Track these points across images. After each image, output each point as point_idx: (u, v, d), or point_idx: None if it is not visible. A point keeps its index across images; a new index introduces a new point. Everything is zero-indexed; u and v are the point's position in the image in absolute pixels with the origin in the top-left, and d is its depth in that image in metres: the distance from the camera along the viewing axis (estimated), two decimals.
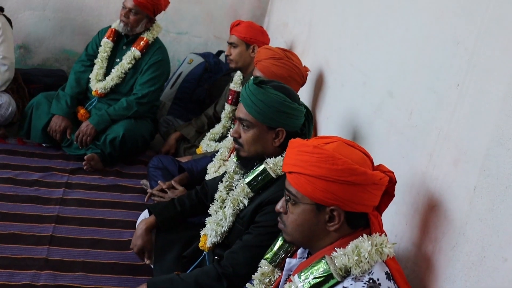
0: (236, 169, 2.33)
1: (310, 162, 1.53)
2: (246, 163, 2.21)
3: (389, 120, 2.21)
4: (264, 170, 2.10)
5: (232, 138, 2.22)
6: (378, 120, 2.33)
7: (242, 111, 2.13)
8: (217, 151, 3.20)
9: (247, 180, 2.15)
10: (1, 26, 3.89)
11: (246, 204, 2.17)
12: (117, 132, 3.76)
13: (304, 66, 3.06)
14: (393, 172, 1.63)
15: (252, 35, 3.63)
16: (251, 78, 2.18)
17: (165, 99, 4.60)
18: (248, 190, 2.15)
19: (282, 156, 2.11)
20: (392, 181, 1.63)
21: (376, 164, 1.66)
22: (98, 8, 4.86)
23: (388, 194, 1.65)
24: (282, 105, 2.07)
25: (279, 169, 2.09)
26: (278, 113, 2.07)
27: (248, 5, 5.12)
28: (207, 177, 2.99)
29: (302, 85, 3.05)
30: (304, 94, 3.38)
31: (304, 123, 2.18)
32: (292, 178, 1.58)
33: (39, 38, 4.86)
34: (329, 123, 3.00)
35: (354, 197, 1.51)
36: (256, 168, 2.14)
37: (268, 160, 2.12)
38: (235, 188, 2.24)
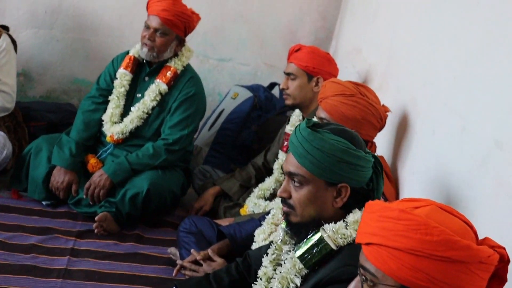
0: (286, 238, 2.32)
1: (395, 231, 1.53)
2: (298, 231, 2.20)
3: (498, 178, 2.20)
4: (321, 239, 2.09)
5: (280, 199, 2.23)
6: (482, 178, 2.31)
7: (292, 163, 2.15)
8: (268, 213, 3.23)
9: (299, 252, 2.14)
10: (5, 47, 4.09)
11: (299, 284, 2.15)
12: (140, 187, 3.81)
13: (383, 106, 3.08)
14: (504, 248, 1.61)
15: (316, 64, 3.68)
16: (304, 121, 2.20)
17: (202, 143, 4.67)
18: (301, 266, 2.14)
19: (344, 221, 2.11)
20: (504, 260, 1.61)
21: (480, 237, 1.65)
22: (120, 28, 5.03)
23: (498, 277, 1.63)
24: (345, 153, 2.08)
25: (341, 238, 2.08)
26: (339, 164, 2.08)
27: (310, 26, 5.21)
28: (254, 247, 3.00)
29: (380, 130, 3.07)
30: (382, 142, 3.39)
31: (371, 177, 2.18)
32: (371, 252, 1.59)
33: (43, 63, 5.04)
34: (415, 182, 2.99)
35: (453, 280, 1.50)
36: (310, 237, 2.13)
37: (326, 226, 2.11)
38: (284, 263, 2.23)
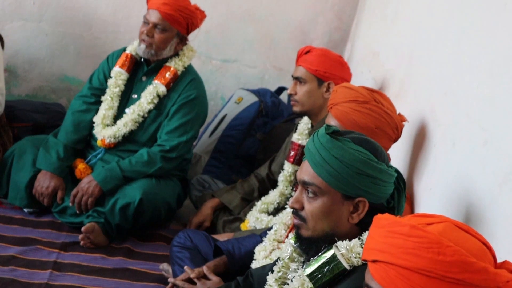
0: (294, 254, 2.33)
1: (405, 248, 1.54)
2: (309, 247, 2.21)
3: None
4: (334, 257, 2.08)
5: (292, 210, 2.23)
6: (505, 196, 2.32)
7: (307, 172, 2.15)
8: (270, 229, 3.23)
9: (309, 270, 2.13)
10: None
11: None
12: (132, 197, 3.81)
13: (399, 114, 3.09)
14: None
15: (327, 68, 3.69)
16: (323, 126, 2.20)
17: (201, 151, 4.69)
18: (310, 285, 2.12)
19: (359, 238, 2.11)
20: None
21: (499, 260, 1.66)
22: (114, 23, 5.06)
23: None
24: (366, 165, 2.08)
25: (355, 258, 2.07)
26: (359, 177, 2.08)
27: (324, 26, 5.23)
28: (254, 265, 3.01)
29: (395, 141, 3.08)
30: (397, 154, 3.39)
31: (393, 194, 2.19)
32: (377, 270, 1.60)
33: (30, 58, 5.07)
34: (431, 198, 3.00)
35: None
36: (322, 254, 2.13)
37: (339, 243, 2.10)
38: (292, 281, 2.22)
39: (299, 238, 2.23)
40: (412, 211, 3.12)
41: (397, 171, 2.20)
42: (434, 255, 1.51)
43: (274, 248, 3.06)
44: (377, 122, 2.95)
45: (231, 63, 5.24)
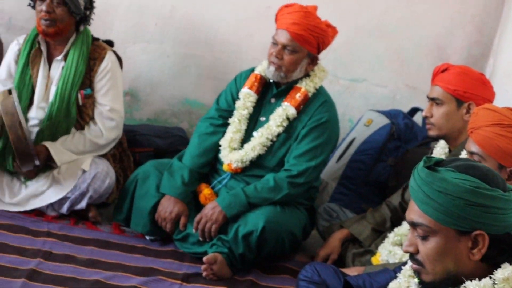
0: None
1: None
2: None
3: None
4: None
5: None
6: None
7: (414, 212, 2.09)
8: (405, 263, 3.18)
9: None
10: (110, 67, 4.21)
11: None
12: (255, 224, 3.81)
13: None
14: None
15: (468, 88, 3.59)
16: (423, 159, 2.13)
17: (328, 177, 4.68)
18: None
19: (491, 277, 2.03)
20: None
21: None
22: (237, 42, 5.13)
23: None
24: (475, 194, 1.99)
25: None
26: (469, 208, 1.99)
27: (462, 40, 5.12)
28: None
29: None
30: None
31: None
32: None
33: (152, 81, 5.22)
34: None
35: None
36: None
37: (468, 283, 2.04)
38: None
39: (422, 284, 2.18)
40: None
41: None
42: None
43: (410, 285, 3.00)
44: None
45: (359, 82, 5.22)
